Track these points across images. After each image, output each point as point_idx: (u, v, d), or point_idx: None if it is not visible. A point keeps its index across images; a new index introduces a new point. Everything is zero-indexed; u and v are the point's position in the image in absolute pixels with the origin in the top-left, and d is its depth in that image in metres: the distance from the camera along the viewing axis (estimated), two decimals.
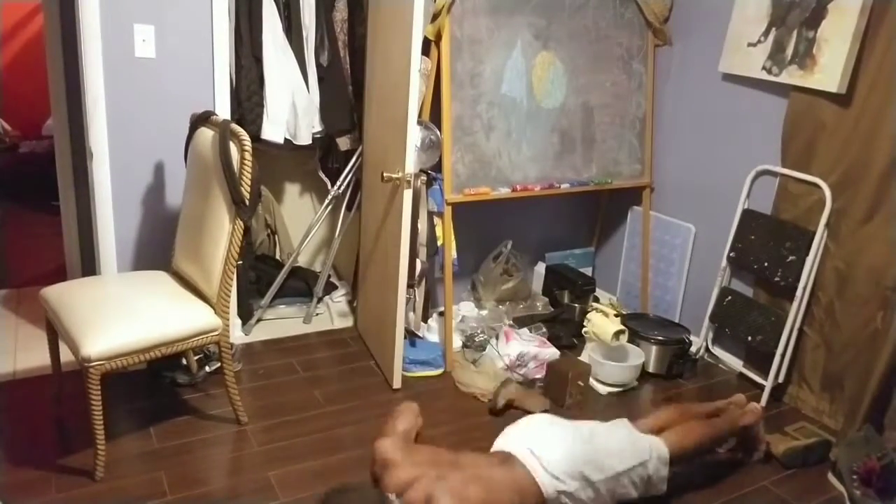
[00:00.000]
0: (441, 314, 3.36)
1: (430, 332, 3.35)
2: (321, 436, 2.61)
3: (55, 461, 2.34)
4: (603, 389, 3.09)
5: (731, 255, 3.22)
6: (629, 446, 2.19)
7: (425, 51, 2.91)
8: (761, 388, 3.08)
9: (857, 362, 2.80)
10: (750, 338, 3.11)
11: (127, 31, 2.62)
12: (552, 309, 3.68)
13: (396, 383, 2.95)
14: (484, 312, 3.53)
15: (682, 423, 2.42)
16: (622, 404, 3.02)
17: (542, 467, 2.02)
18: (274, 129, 3.09)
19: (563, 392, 2.93)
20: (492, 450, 2.19)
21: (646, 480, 2.18)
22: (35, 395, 2.71)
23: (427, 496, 1.79)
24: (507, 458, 2.07)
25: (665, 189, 3.62)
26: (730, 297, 3.24)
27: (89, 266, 3.21)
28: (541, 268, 3.89)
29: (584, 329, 3.30)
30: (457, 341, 3.28)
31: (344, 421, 2.71)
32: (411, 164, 2.67)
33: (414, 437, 2.27)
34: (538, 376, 3.10)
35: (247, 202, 2.34)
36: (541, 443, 2.11)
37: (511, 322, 3.45)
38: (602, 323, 3.20)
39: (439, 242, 3.15)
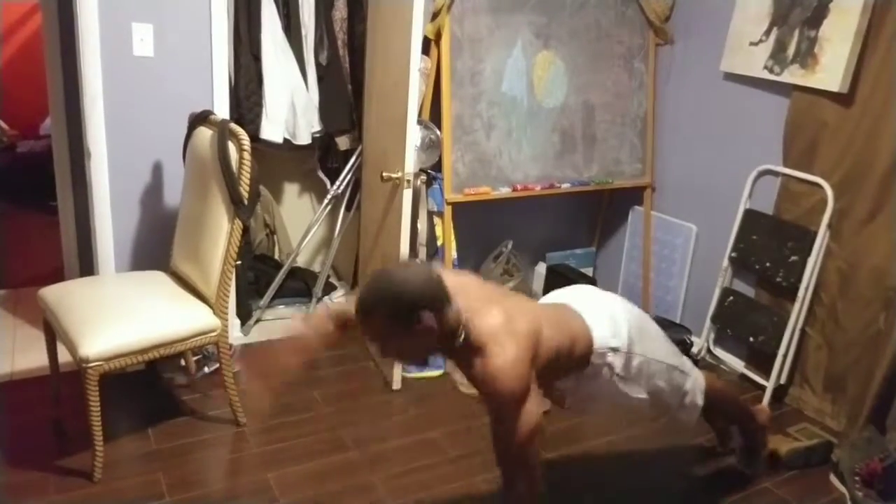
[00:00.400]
0: None
1: None
2: (320, 437, 2.59)
3: (53, 462, 2.33)
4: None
5: (732, 255, 3.21)
6: (674, 349, 2.17)
7: (425, 49, 2.90)
8: (763, 389, 3.07)
9: (860, 363, 2.78)
10: (752, 338, 3.10)
11: (125, 29, 2.60)
12: None
13: (396, 384, 2.93)
14: None
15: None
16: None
17: (598, 320, 1.94)
18: (273, 129, 3.08)
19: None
20: (542, 301, 2.12)
21: (682, 394, 2.15)
22: (33, 396, 2.69)
23: (503, 332, 1.67)
24: (562, 306, 1.99)
25: (666, 189, 3.61)
26: (731, 298, 3.22)
27: (87, 266, 3.20)
28: (541, 268, 3.88)
29: None
30: None
31: (343, 422, 2.69)
32: (411, 163, 2.65)
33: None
34: None
35: (245, 202, 2.33)
36: (597, 301, 2.05)
37: None
38: None
39: (439, 242, 3.14)
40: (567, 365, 1.89)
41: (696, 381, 2.20)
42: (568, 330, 1.87)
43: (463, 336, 1.66)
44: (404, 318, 1.58)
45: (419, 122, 2.91)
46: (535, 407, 1.70)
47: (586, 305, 1.99)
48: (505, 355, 1.64)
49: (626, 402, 2.04)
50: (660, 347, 2.10)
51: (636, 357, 1.99)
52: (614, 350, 1.94)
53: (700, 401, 2.20)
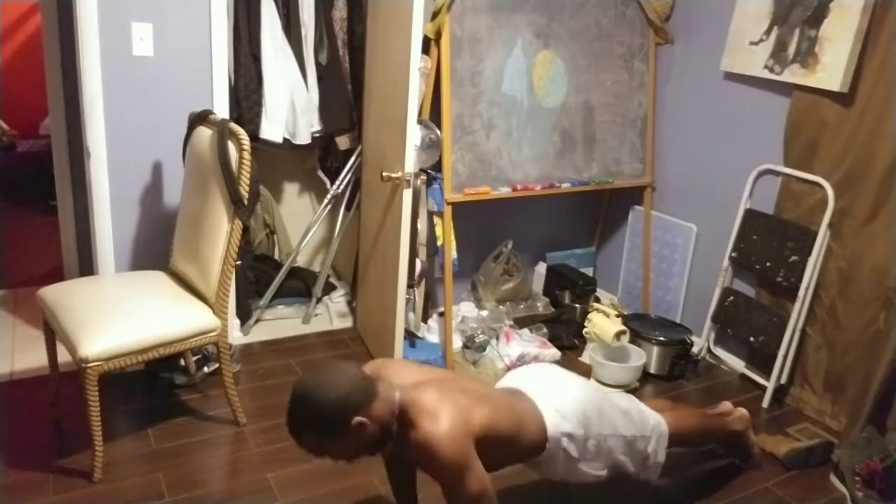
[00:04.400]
0: (441, 314, 3.34)
1: (430, 333, 3.34)
2: None
3: (53, 462, 2.33)
4: (604, 390, 3.07)
5: (732, 255, 3.21)
6: (636, 412, 2.15)
7: (425, 49, 2.90)
8: (763, 389, 3.07)
9: (860, 363, 2.78)
10: (752, 338, 3.10)
11: (125, 29, 2.60)
12: (553, 309, 3.66)
13: None
14: (484, 313, 3.52)
15: (677, 409, 2.40)
16: None
17: (551, 405, 1.95)
18: (273, 129, 3.08)
19: None
20: (497, 385, 2.13)
21: (644, 458, 2.15)
22: (32, 396, 2.69)
23: (436, 400, 1.70)
24: (515, 392, 2.00)
25: (666, 188, 3.60)
26: (732, 298, 3.22)
27: (87, 266, 3.20)
28: (541, 268, 3.87)
29: (585, 329, 3.29)
30: (457, 342, 3.26)
31: None
32: (411, 163, 2.65)
33: None
34: None
35: (245, 202, 2.32)
36: (551, 383, 2.05)
37: (512, 322, 3.43)
38: (603, 323, 3.19)
39: (439, 242, 3.14)
40: (519, 451, 1.91)
41: (659, 437, 2.18)
42: (518, 418, 1.89)
43: (397, 421, 1.70)
44: (334, 431, 1.64)
45: (419, 121, 2.91)
46: (481, 475, 1.70)
47: (540, 390, 1.99)
48: (437, 425, 1.65)
49: (584, 479, 2.05)
50: (619, 421, 2.08)
51: (591, 439, 2.00)
52: (568, 435, 1.95)
53: (662, 458, 2.19)
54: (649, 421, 2.17)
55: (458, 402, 1.73)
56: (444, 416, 1.66)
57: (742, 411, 2.57)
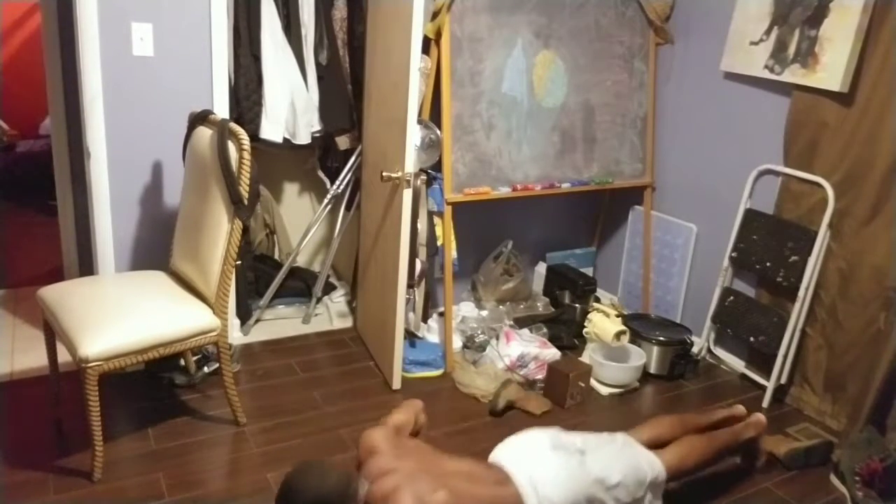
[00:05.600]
0: (441, 314, 3.34)
1: (430, 333, 3.34)
2: (320, 437, 2.59)
3: (53, 462, 2.33)
4: (604, 390, 3.07)
5: (732, 255, 3.21)
6: (631, 476, 2.10)
7: (425, 49, 2.90)
8: (763, 389, 3.07)
9: (860, 363, 2.78)
10: (752, 338, 3.10)
11: (125, 29, 2.60)
12: (553, 309, 3.66)
13: (396, 384, 2.93)
14: (484, 313, 3.52)
15: (682, 438, 2.34)
16: (623, 405, 3.01)
17: (536, 499, 1.93)
18: (272, 129, 3.08)
19: (564, 393, 2.91)
20: (489, 459, 2.11)
21: None
22: (32, 395, 2.69)
23: (392, 489, 1.73)
24: (503, 479, 1.98)
25: (666, 188, 3.60)
26: (732, 298, 3.22)
27: (87, 266, 3.20)
28: (541, 268, 3.87)
29: (585, 329, 3.29)
30: (457, 342, 3.26)
31: (343, 422, 2.69)
32: (411, 163, 2.65)
33: (409, 432, 2.21)
34: (539, 377, 3.08)
35: (245, 202, 2.32)
36: (541, 472, 2.02)
37: (511, 322, 3.43)
38: (603, 323, 3.19)
39: (439, 242, 3.14)
40: None
41: (654, 489, 2.13)
42: None
43: None
44: None
45: (419, 121, 2.91)
46: None
47: (529, 480, 1.97)
48: None
49: None
50: (615, 491, 2.03)
51: None
52: None
53: (659, 502, 2.17)
54: (646, 477, 2.12)
55: (419, 486, 1.76)
56: (402, 498, 1.71)
57: (758, 416, 2.57)
